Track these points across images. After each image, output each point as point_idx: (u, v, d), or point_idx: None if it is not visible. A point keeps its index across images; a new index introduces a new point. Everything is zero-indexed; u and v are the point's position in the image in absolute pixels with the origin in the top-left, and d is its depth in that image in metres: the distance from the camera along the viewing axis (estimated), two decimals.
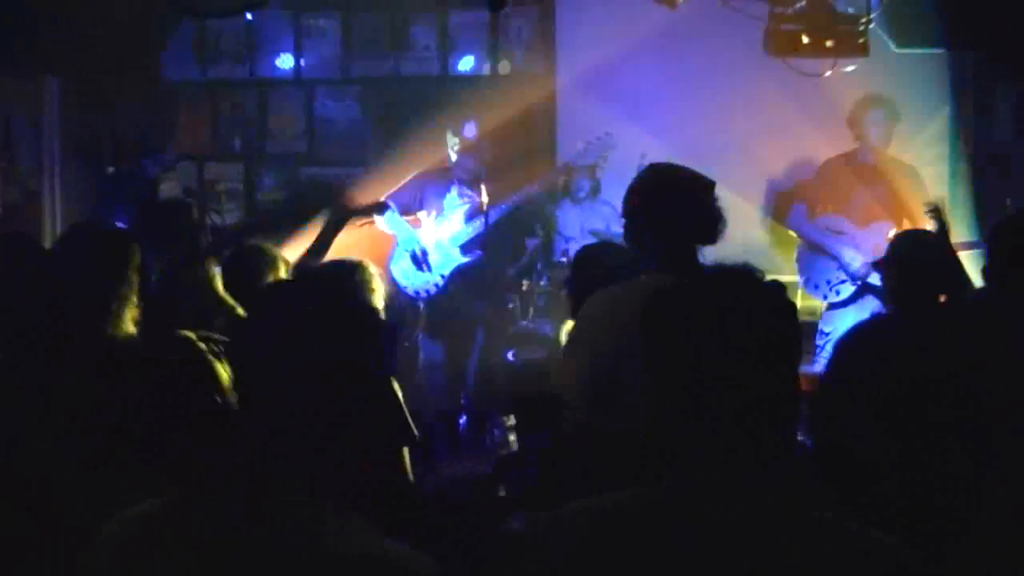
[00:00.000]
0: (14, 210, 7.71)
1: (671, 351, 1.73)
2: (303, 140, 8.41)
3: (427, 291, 6.83)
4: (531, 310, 7.08)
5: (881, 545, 1.66)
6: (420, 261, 6.78)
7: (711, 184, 3.39)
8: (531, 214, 7.31)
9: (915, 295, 3.95)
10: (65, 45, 6.92)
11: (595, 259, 4.57)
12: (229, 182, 8.39)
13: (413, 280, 6.83)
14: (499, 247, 6.96)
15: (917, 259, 4.05)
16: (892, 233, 6.46)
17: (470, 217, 6.79)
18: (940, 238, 4.30)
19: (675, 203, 3.35)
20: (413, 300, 6.86)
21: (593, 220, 7.48)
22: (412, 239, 6.79)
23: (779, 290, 1.77)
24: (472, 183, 6.80)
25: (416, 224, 6.90)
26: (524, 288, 7.14)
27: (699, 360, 1.69)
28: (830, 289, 6.40)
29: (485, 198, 6.68)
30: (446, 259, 6.82)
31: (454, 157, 6.89)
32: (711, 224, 3.33)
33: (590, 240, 7.28)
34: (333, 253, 5.35)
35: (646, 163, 6.73)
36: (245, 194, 8.39)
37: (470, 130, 6.80)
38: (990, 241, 3.82)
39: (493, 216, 6.67)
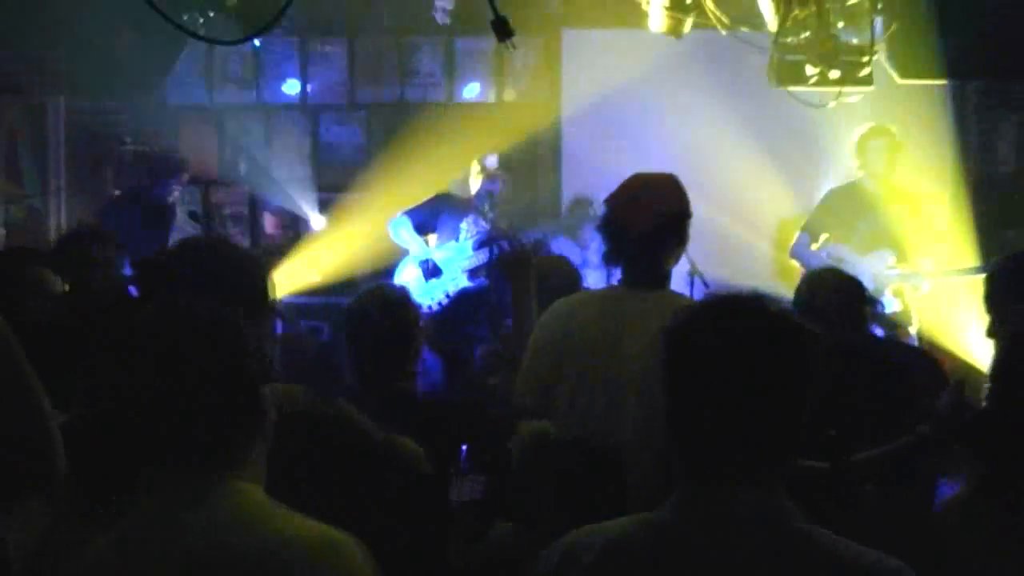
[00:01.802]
0: (18, 229, 7.74)
1: (676, 378, 1.78)
2: (308, 165, 8.45)
3: (429, 307, 6.90)
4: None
5: (873, 559, 1.71)
6: (430, 272, 6.87)
7: (676, 193, 3.36)
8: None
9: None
10: (71, 67, 6.94)
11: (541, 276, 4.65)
12: (234, 206, 8.41)
13: (416, 295, 6.89)
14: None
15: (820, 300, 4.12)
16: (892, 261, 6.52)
17: (479, 246, 6.87)
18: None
19: (638, 214, 3.33)
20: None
21: (594, 259, 7.51)
22: (426, 253, 6.89)
23: (787, 318, 1.80)
24: (487, 214, 6.90)
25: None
26: None
27: (703, 387, 1.74)
28: None
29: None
30: (453, 282, 6.90)
31: (477, 185, 6.98)
32: (672, 239, 3.33)
33: (593, 271, 7.33)
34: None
35: None
36: (249, 218, 8.41)
37: (492, 161, 6.90)
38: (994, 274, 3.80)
39: (498, 251, 6.75)
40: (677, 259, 3.42)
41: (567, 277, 4.76)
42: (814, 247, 6.65)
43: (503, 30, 3.33)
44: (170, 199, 7.27)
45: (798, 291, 4.31)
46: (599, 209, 7.09)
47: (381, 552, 1.82)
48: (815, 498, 2.30)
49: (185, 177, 7.33)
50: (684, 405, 1.76)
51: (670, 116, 7.99)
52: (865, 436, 3.45)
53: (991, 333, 3.55)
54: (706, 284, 6.66)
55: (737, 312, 1.79)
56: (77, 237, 4.91)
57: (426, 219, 6.98)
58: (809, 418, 1.75)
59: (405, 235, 6.96)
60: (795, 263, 6.82)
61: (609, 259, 3.46)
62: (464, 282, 6.91)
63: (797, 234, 6.82)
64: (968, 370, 5.98)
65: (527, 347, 3.47)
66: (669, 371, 1.79)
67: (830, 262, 6.50)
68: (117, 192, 7.78)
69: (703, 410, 1.73)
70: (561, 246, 7.55)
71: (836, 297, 4.16)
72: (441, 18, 7.63)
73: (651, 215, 3.31)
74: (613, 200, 3.42)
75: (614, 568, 1.74)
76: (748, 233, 7.40)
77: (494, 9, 3.19)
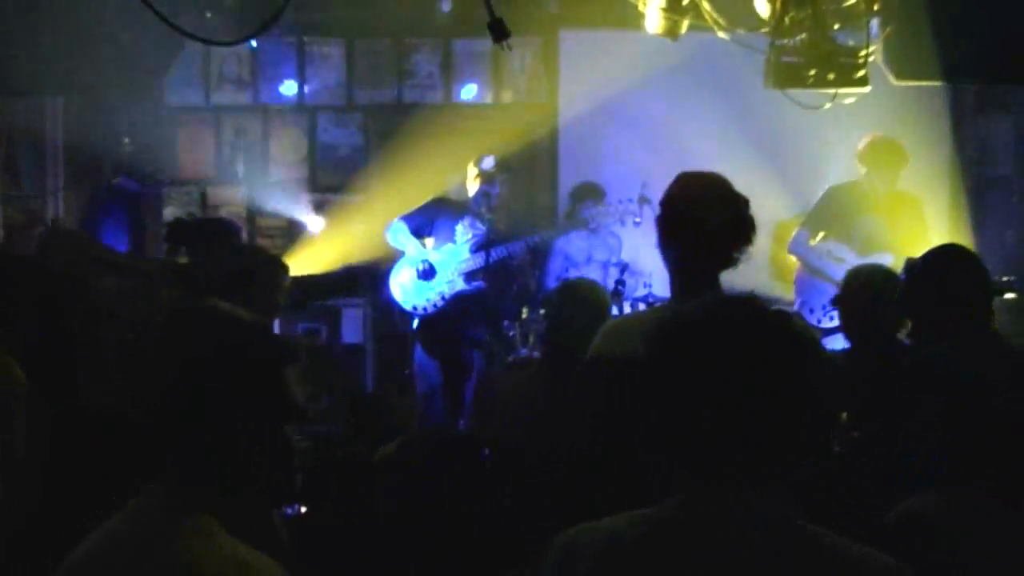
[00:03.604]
0: (16, 231, 7.73)
1: (676, 379, 1.79)
2: (305, 166, 8.45)
3: (424, 308, 6.90)
4: (530, 338, 7.09)
5: (873, 559, 1.73)
6: (424, 273, 6.87)
7: (733, 198, 3.07)
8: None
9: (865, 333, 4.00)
10: (69, 67, 6.93)
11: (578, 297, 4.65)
12: (231, 207, 8.42)
13: (411, 296, 6.92)
14: (502, 280, 7.02)
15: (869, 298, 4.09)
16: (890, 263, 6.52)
17: (476, 248, 6.87)
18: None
19: (689, 220, 3.04)
20: (409, 316, 6.97)
21: (600, 249, 7.50)
22: (421, 255, 6.90)
23: (785, 319, 1.82)
24: (484, 216, 6.90)
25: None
26: (524, 316, 7.16)
27: (704, 388, 1.75)
28: (824, 314, 6.41)
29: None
30: (449, 284, 6.90)
31: (473, 188, 6.98)
32: (730, 244, 3.02)
33: (596, 269, 7.33)
34: None
35: (648, 192, 6.88)
36: (247, 219, 8.41)
37: (488, 163, 6.90)
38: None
39: (496, 254, 6.78)
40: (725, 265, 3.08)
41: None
42: (812, 243, 6.67)
43: (499, 31, 3.34)
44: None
45: (845, 286, 4.26)
46: (606, 193, 7.12)
47: None
48: (816, 498, 2.30)
49: None
50: (684, 406, 1.77)
51: (667, 117, 8.00)
52: None
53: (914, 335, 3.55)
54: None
55: (736, 312, 1.81)
56: None
57: (422, 224, 6.99)
58: (810, 419, 1.76)
59: (402, 239, 6.98)
60: (793, 259, 6.84)
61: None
62: (460, 284, 6.91)
63: (796, 230, 6.83)
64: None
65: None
66: (669, 372, 1.80)
67: (830, 260, 6.53)
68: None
69: (703, 410, 1.74)
70: (569, 240, 7.51)
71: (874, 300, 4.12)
72: (446, 6, 7.63)
73: (693, 221, 3.03)
74: (679, 203, 3.09)
75: (614, 567, 1.75)
76: None
77: (490, 10, 3.20)
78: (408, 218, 7.01)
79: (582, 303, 4.65)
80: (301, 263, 7.76)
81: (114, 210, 7.20)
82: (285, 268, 4.86)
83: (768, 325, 1.79)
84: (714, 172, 3.15)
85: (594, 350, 3.21)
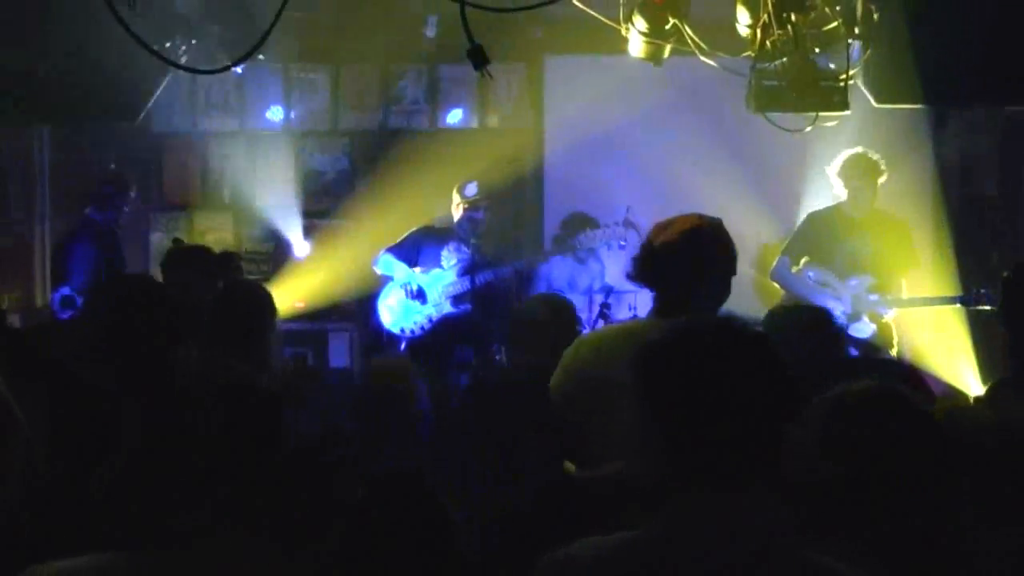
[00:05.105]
0: (4, 257, 7.74)
1: (661, 398, 1.83)
2: (291, 191, 8.46)
3: (412, 331, 6.93)
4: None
5: None
6: (413, 295, 6.90)
7: (717, 239, 3.33)
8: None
9: None
10: (56, 95, 6.95)
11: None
12: (217, 233, 8.42)
13: (399, 319, 6.94)
14: (489, 303, 7.05)
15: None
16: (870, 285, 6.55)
17: (463, 272, 6.92)
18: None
19: (674, 252, 3.28)
20: (396, 339, 6.98)
21: (582, 276, 7.52)
22: (410, 277, 6.92)
23: (763, 339, 1.85)
24: (470, 241, 6.94)
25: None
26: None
27: (687, 407, 1.79)
28: None
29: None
30: (436, 307, 6.93)
31: (458, 214, 7.02)
32: (710, 275, 3.29)
33: (579, 295, 7.34)
34: None
35: (632, 215, 6.90)
36: (234, 245, 8.41)
37: (471, 190, 6.95)
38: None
39: (482, 278, 6.83)
40: (716, 292, 3.32)
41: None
42: (794, 270, 6.69)
43: (479, 59, 3.36)
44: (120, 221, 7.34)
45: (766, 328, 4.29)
46: (599, 225, 7.15)
47: None
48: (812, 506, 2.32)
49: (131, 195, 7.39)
50: (675, 420, 1.81)
51: (652, 141, 8.03)
52: None
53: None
54: None
55: (719, 329, 1.86)
56: None
57: (408, 253, 7.04)
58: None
59: (390, 265, 7.02)
60: (776, 285, 6.86)
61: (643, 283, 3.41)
62: (447, 308, 6.95)
63: (777, 257, 6.86)
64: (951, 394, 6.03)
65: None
66: (661, 388, 1.83)
67: (813, 285, 6.56)
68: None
69: (694, 424, 1.78)
70: (552, 266, 7.54)
71: (807, 336, 4.16)
72: (431, 31, 7.67)
73: (685, 234, 3.28)
74: (652, 230, 3.40)
75: None
76: None
77: (470, 38, 3.23)
78: (393, 249, 7.05)
79: None
80: (288, 289, 7.78)
81: (91, 237, 7.18)
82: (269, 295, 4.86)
83: (750, 337, 1.85)
84: (697, 216, 3.35)
85: (567, 362, 3.33)
